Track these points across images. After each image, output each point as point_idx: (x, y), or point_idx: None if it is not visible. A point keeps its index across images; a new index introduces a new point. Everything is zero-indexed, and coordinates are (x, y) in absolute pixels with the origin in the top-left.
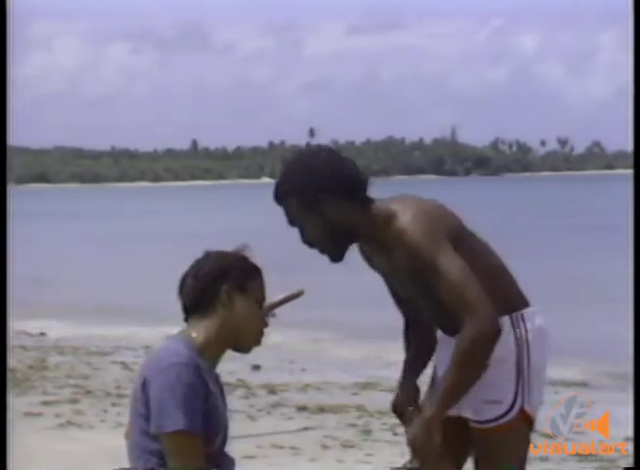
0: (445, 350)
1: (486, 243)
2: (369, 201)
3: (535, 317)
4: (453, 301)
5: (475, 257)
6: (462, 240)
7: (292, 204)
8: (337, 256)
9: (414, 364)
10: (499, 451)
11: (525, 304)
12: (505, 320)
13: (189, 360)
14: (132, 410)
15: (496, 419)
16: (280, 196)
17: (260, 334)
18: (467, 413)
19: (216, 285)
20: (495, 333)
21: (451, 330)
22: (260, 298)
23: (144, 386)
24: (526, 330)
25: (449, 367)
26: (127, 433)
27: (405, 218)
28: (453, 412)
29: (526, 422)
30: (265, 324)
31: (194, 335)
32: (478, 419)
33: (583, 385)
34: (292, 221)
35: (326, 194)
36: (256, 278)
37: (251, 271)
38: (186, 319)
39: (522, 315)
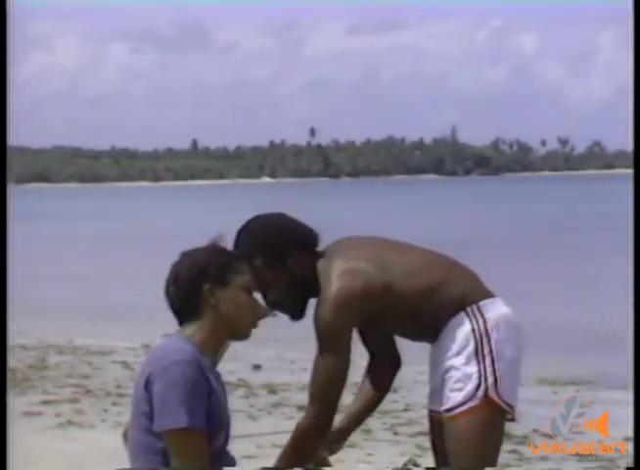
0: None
1: (428, 256)
2: (320, 256)
3: (496, 306)
4: (312, 388)
5: (406, 288)
6: (389, 288)
7: (257, 264)
8: (298, 313)
9: (352, 417)
10: (463, 436)
11: (483, 295)
12: (461, 316)
13: (192, 358)
14: (134, 409)
15: (459, 405)
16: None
17: (255, 318)
18: (435, 406)
19: (197, 287)
20: (316, 438)
21: (427, 339)
22: (247, 283)
23: (147, 384)
24: (485, 320)
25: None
26: (125, 432)
27: (327, 294)
28: (430, 407)
29: (494, 410)
30: (258, 306)
31: (190, 334)
32: (444, 408)
33: (583, 385)
34: (259, 285)
35: (291, 248)
36: (236, 267)
37: (228, 263)
38: (180, 324)
39: (478, 307)
